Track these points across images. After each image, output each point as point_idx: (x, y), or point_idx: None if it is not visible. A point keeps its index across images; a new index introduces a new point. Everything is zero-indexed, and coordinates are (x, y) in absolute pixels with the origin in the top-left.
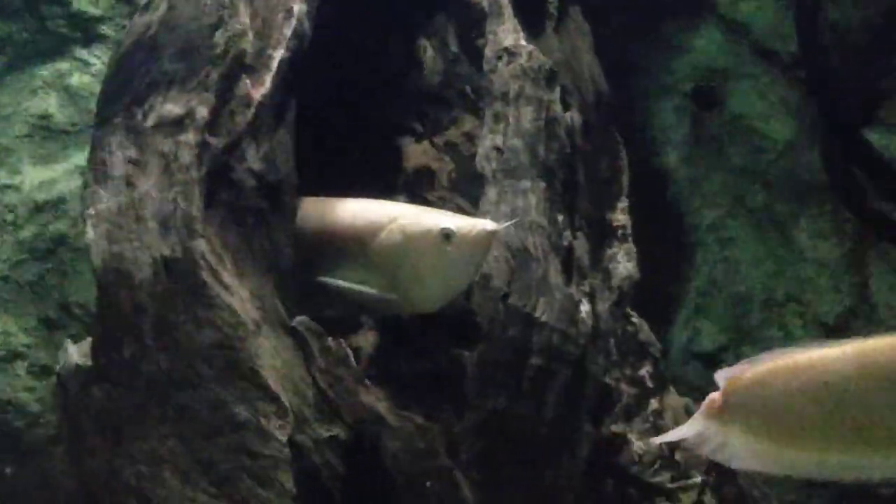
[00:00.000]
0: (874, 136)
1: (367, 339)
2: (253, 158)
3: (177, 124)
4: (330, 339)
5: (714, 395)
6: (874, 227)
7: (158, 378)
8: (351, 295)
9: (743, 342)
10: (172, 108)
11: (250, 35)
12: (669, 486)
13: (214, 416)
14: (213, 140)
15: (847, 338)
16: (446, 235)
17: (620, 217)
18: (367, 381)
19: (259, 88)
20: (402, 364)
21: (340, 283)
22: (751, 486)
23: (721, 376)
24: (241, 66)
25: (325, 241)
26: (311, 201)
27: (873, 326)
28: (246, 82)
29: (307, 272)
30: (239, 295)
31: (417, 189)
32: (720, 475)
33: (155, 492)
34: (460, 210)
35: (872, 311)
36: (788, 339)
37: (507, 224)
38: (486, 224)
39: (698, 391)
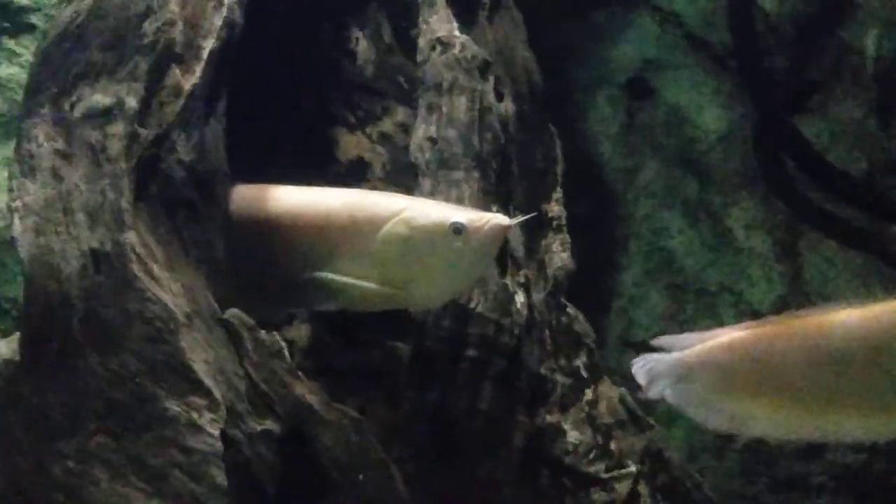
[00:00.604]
0: (805, 127)
1: (300, 332)
2: (183, 149)
3: (105, 115)
4: (263, 331)
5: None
6: (806, 217)
7: (88, 373)
8: (349, 291)
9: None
10: (101, 99)
11: (180, 24)
12: (604, 475)
13: (145, 410)
14: (142, 131)
15: None
16: (457, 229)
17: (555, 208)
18: (300, 374)
19: (189, 78)
20: (336, 356)
21: (338, 278)
22: (684, 475)
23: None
24: (170, 56)
25: (320, 233)
26: (301, 190)
27: None
28: (176, 72)
29: (295, 266)
30: (170, 288)
31: (351, 180)
32: (654, 464)
33: (85, 489)
34: None
35: (805, 299)
36: None
37: (519, 219)
38: (498, 218)
39: (632, 380)
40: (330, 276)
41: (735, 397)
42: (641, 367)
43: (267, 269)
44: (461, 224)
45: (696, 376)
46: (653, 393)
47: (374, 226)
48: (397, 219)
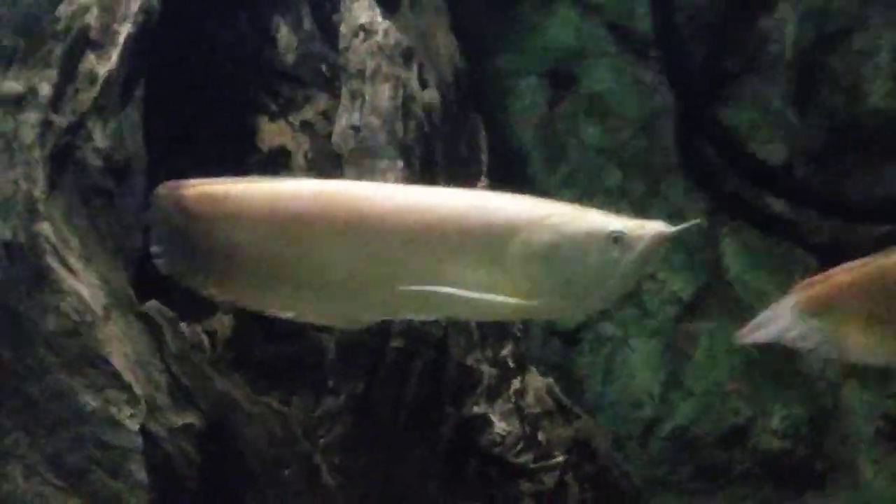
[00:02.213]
0: (725, 116)
1: (222, 323)
2: (99, 137)
3: (18, 103)
4: (183, 323)
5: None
6: (726, 206)
7: (1, 368)
8: (475, 304)
9: (601, 319)
10: (13, 86)
11: (95, 10)
12: (532, 466)
13: (62, 406)
14: (56, 118)
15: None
16: (616, 238)
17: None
18: (222, 367)
19: (105, 64)
20: (259, 348)
21: (463, 293)
22: (611, 465)
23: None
24: (85, 42)
25: (440, 237)
26: (412, 189)
27: (729, 303)
28: (91, 58)
29: (407, 275)
30: (86, 279)
31: (272, 169)
32: (581, 454)
33: (0, 487)
34: None
35: (727, 287)
36: (645, 317)
37: (682, 227)
38: (659, 226)
39: (558, 370)
40: (454, 291)
41: (855, 329)
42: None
43: (368, 278)
44: (621, 232)
45: (817, 314)
46: (766, 336)
47: (509, 231)
48: (542, 224)
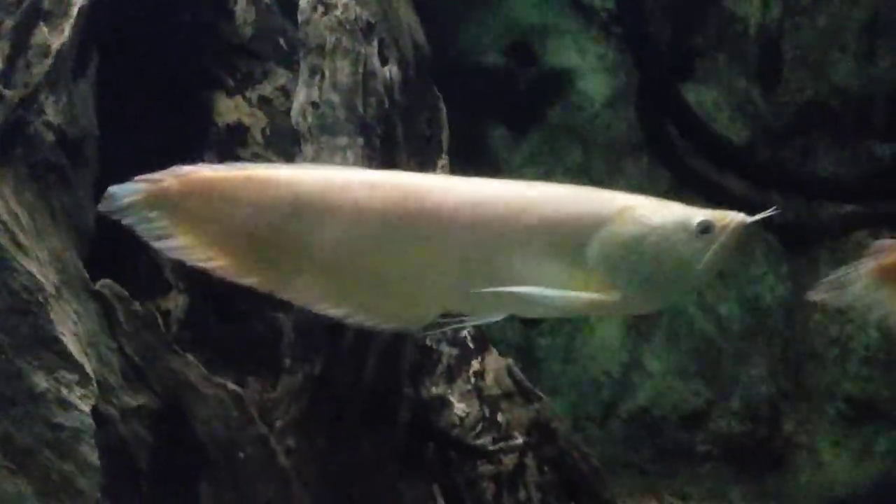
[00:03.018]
0: (688, 94)
1: (176, 303)
2: (51, 111)
3: None
4: (136, 303)
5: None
6: (688, 184)
7: None
8: (554, 303)
9: None
10: None
11: None
12: (491, 448)
13: (11, 386)
14: (7, 92)
15: None
16: (704, 229)
17: (440, 174)
18: (176, 347)
19: (57, 37)
20: (214, 328)
21: (544, 292)
22: (570, 447)
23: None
24: (37, 14)
25: (514, 232)
26: (478, 182)
27: None
28: (43, 31)
29: (478, 273)
30: (37, 257)
31: (229, 146)
32: (541, 436)
33: None
34: None
35: None
36: None
37: (761, 215)
38: (737, 216)
39: (519, 351)
40: (533, 291)
41: None
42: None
43: (436, 276)
44: (709, 222)
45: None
46: (838, 300)
47: (590, 224)
48: (627, 217)
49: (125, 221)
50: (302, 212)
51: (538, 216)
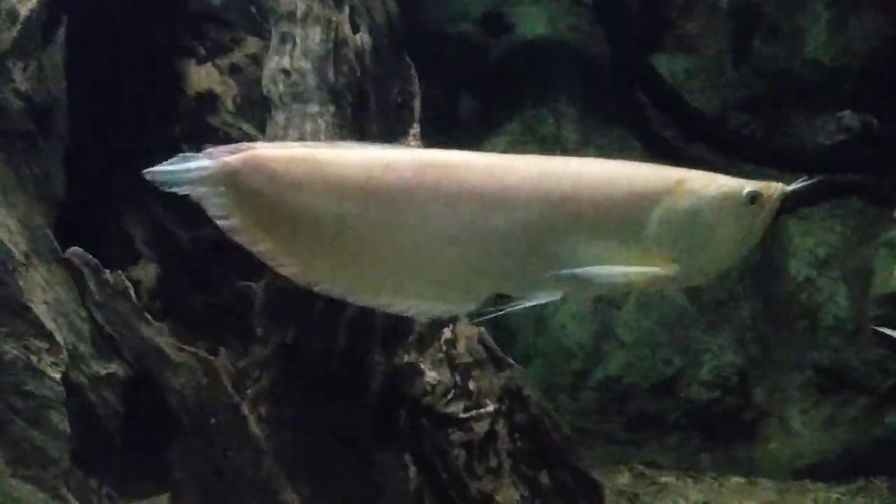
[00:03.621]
0: (660, 64)
1: (147, 272)
2: (20, 79)
3: None
4: (107, 272)
5: None
6: (660, 154)
7: None
8: (617, 279)
9: None
10: None
11: None
12: (462, 415)
13: None
14: None
15: None
16: (752, 198)
17: (413, 143)
18: (147, 316)
19: (26, 3)
20: (186, 297)
21: (609, 271)
22: (542, 414)
23: None
24: None
25: (574, 211)
26: (531, 159)
27: None
28: None
29: (540, 253)
30: (6, 225)
31: (200, 114)
32: (513, 403)
33: None
34: (247, 136)
35: None
36: None
37: (801, 184)
38: (780, 186)
39: (490, 320)
40: (600, 271)
41: None
42: None
43: (490, 259)
44: (758, 192)
45: None
46: None
47: (648, 200)
48: (681, 191)
49: (195, 194)
50: (361, 195)
51: (600, 194)
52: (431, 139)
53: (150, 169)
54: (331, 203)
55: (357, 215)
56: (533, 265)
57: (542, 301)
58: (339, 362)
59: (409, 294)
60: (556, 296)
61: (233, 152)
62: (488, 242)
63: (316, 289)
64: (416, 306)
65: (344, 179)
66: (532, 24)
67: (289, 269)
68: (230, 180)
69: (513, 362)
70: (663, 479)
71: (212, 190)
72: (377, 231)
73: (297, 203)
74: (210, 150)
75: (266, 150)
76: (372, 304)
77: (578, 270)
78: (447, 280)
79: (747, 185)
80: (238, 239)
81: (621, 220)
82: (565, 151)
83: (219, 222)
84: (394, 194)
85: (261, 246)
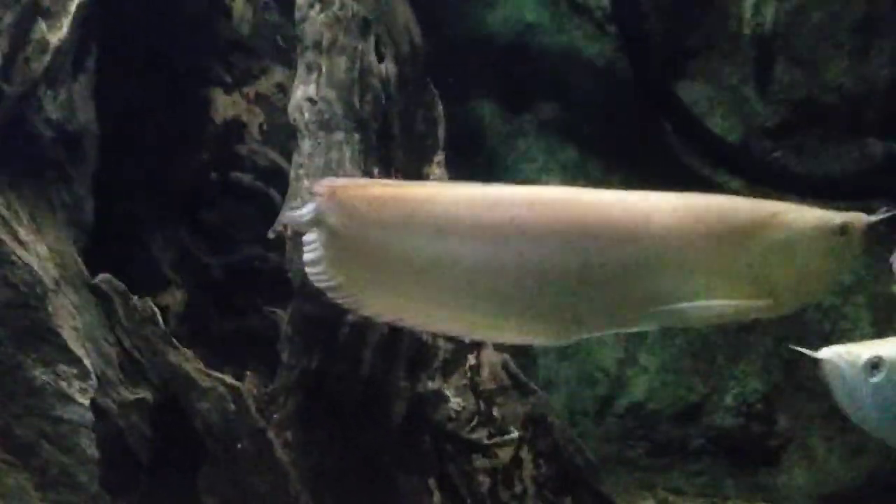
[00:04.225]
0: (683, 93)
1: (175, 298)
2: (50, 107)
3: None
4: (135, 297)
5: None
6: (683, 183)
7: None
8: (712, 312)
9: None
10: None
11: None
12: (486, 442)
13: (11, 379)
14: (6, 88)
15: None
16: (842, 229)
17: (437, 170)
18: (174, 341)
19: (56, 33)
20: (213, 323)
21: (714, 304)
22: (566, 441)
23: None
24: (36, 10)
25: (669, 249)
26: (620, 194)
27: None
28: (42, 27)
29: (637, 289)
30: (36, 252)
31: (227, 142)
32: (537, 430)
33: None
34: (273, 164)
35: None
36: None
37: (883, 215)
38: (865, 217)
39: (514, 346)
40: (699, 306)
41: None
42: None
43: (594, 294)
44: (849, 224)
45: None
46: None
47: (746, 233)
48: (776, 223)
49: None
50: (455, 231)
51: (701, 229)
52: (458, 166)
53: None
54: (429, 241)
55: (460, 253)
56: (632, 301)
57: (635, 330)
58: (363, 388)
59: (505, 329)
60: (652, 327)
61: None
62: (592, 278)
63: (402, 325)
64: (510, 339)
65: (447, 218)
66: (556, 52)
67: (370, 308)
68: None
69: (536, 389)
70: None
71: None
72: (480, 269)
73: (387, 242)
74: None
75: (349, 189)
76: (464, 338)
77: (678, 307)
78: (546, 315)
79: (837, 217)
80: (322, 284)
81: (720, 255)
82: (589, 179)
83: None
84: (502, 231)
85: (340, 287)
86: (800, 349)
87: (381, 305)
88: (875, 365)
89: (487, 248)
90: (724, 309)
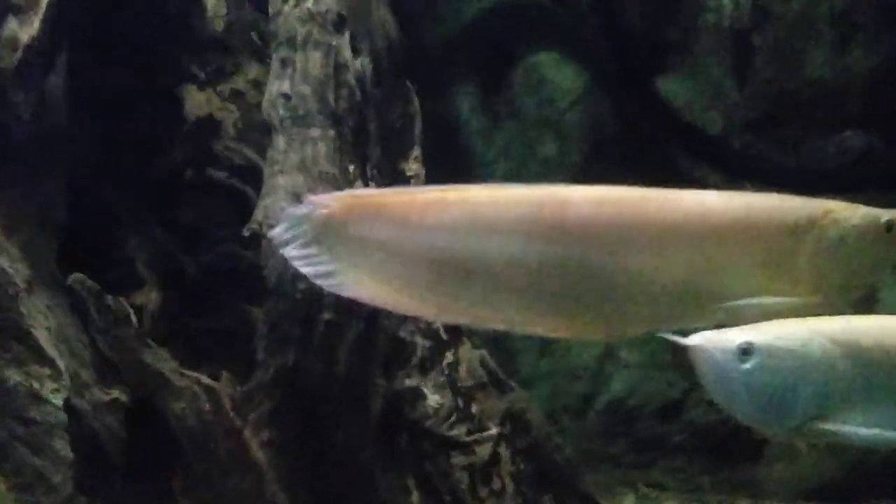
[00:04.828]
0: (663, 86)
1: (149, 297)
2: (21, 106)
3: None
4: (109, 297)
5: None
6: (664, 176)
7: None
8: (762, 310)
9: None
10: None
11: None
12: (465, 439)
13: None
14: None
15: None
16: (889, 226)
17: (413, 166)
18: (149, 341)
19: (27, 31)
20: (188, 322)
21: (763, 301)
22: (545, 437)
23: None
24: (6, 7)
25: (730, 249)
26: (684, 194)
27: None
28: (12, 24)
29: (691, 289)
30: (7, 252)
31: (202, 139)
32: (515, 426)
33: None
34: (248, 161)
35: None
36: None
37: None
38: None
39: (494, 343)
40: (754, 304)
41: None
42: None
43: (656, 291)
44: (893, 221)
45: None
46: None
47: (801, 232)
48: (827, 220)
49: (288, 255)
50: (532, 234)
51: (758, 228)
52: (435, 162)
53: (273, 232)
54: (485, 244)
55: (523, 254)
56: (690, 300)
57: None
58: (340, 386)
59: (566, 327)
60: (704, 326)
61: (328, 201)
62: (656, 278)
63: (457, 324)
64: (562, 335)
65: (508, 219)
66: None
67: (427, 310)
68: (328, 232)
69: (515, 385)
70: (668, 502)
71: (305, 250)
72: (543, 269)
73: (434, 246)
74: (310, 199)
75: (368, 195)
76: (522, 333)
77: (735, 305)
78: (609, 314)
79: (885, 214)
80: (347, 292)
81: (776, 252)
82: (569, 174)
83: (318, 281)
84: (570, 231)
85: (380, 297)
86: (668, 336)
87: (436, 308)
88: (746, 351)
89: (553, 247)
90: (778, 307)
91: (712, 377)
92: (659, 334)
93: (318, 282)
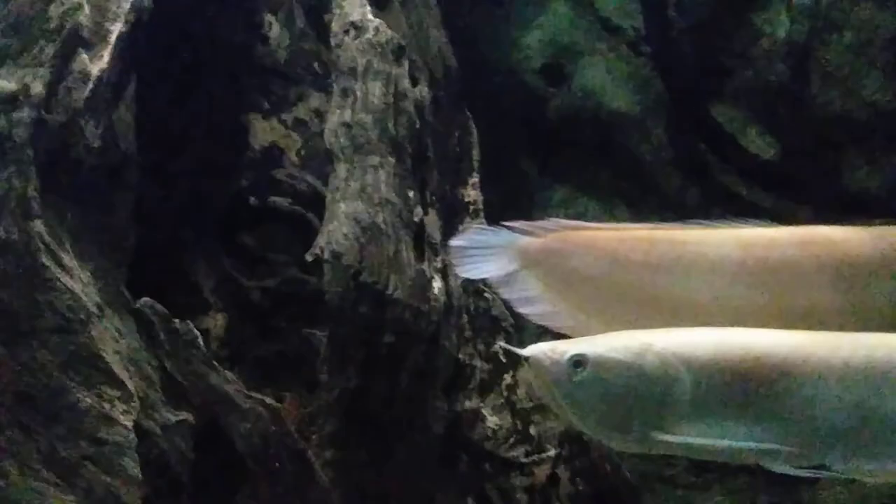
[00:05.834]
0: (717, 111)
1: (215, 321)
2: (92, 136)
3: (10, 101)
4: (177, 321)
5: None
6: (718, 200)
7: None
8: None
9: None
10: (6, 85)
11: (86, 8)
12: (524, 460)
13: (56, 402)
14: (49, 117)
15: None
16: None
17: (472, 192)
18: (215, 364)
19: (97, 63)
20: (252, 345)
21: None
22: (603, 459)
23: None
24: (77, 41)
25: (875, 280)
26: (833, 230)
27: None
28: (83, 57)
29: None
30: (79, 277)
31: (265, 167)
32: (573, 448)
33: None
34: (311, 188)
35: None
36: None
37: None
38: None
39: None
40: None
41: None
42: None
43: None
44: None
45: None
46: None
47: None
48: None
49: (480, 275)
50: (737, 274)
51: (879, 261)
52: (493, 187)
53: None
54: (692, 283)
55: (729, 294)
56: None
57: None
58: (402, 407)
59: None
60: None
61: (538, 231)
62: (855, 314)
63: None
64: None
65: (714, 259)
66: (590, 73)
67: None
68: (534, 262)
69: None
70: None
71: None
72: (747, 309)
73: (643, 282)
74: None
75: (590, 230)
76: None
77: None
78: None
79: None
80: (551, 323)
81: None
82: (625, 200)
83: (521, 309)
84: (776, 272)
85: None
86: (508, 347)
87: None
88: (578, 362)
89: (759, 288)
90: None
91: (546, 389)
92: (499, 344)
93: (519, 307)
